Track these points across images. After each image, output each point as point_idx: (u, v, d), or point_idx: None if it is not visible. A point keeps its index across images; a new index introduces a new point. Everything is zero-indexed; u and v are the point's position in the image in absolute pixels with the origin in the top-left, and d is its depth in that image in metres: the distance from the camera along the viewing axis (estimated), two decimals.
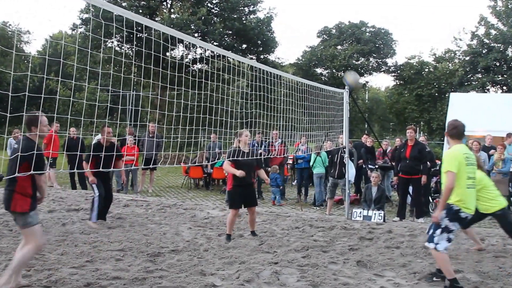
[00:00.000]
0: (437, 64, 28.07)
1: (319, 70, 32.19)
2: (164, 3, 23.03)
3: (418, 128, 25.72)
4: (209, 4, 22.74)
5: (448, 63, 28.04)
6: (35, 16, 61.23)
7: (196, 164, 11.04)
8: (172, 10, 23.06)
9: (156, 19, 21.06)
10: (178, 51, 21.70)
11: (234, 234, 5.94)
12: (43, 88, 4.41)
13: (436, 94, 27.40)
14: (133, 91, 15.79)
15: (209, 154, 10.83)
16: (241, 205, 5.62)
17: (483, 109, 11.92)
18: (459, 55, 27.57)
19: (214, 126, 5.62)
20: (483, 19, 25.38)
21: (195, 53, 22.60)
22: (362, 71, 31.91)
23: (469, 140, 9.85)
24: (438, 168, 8.31)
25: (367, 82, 33.85)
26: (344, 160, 7.68)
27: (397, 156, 7.86)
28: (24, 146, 3.43)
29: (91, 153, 6.03)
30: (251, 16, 23.88)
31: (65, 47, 19.12)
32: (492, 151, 8.95)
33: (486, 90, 25.42)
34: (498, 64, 25.01)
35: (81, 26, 21.87)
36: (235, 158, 5.46)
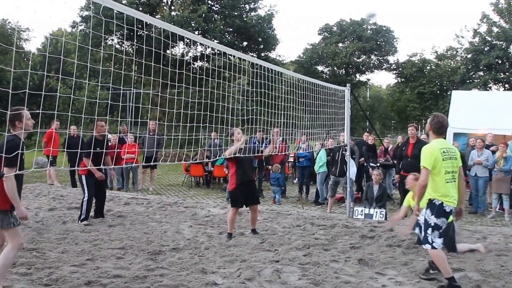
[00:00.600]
0: (439, 62, 28.01)
1: (320, 68, 32.16)
2: (165, 0, 22.98)
3: (419, 126, 25.65)
4: (209, 2, 22.69)
5: (450, 60, 27.97)
6: (35, 13, 61.20)
7: (197, 161, 11.02)
8: (172, 7, 23.01)
9: (157, 16, 21.01)
10: (179, 49, 21.68)
11: (235, 232, 5.92)
12: (43, 86, 4.39)
13: (438, 92, 27.35)
14: (133, 89, 15.76)
15: (209, 152, 10.81)
16: (242, 204, 5.60)
17: (485, 107, 11.87)
18: (461, 53, 27.50)
19: (215, 123, 5.59)
20: (485, 16, 25.28)
21: (196, 50, 22.57)
22: (363, 69, 31.87)
23: (471, 138, 9.83)
24: None
25: (368, 79, 33.79)
26: (346, 158, 7.65)
27: (399, 154, 7.82)
28: (9, 144, 3.36)
29: (91, 150, 6.00)
30: (252, 14, 23.82)
31: (65, 45, 19.14)
32: (493, 148, 8.91)
33: (488, 88, 25.35)
34: (500, 61, 24.93)
35: (81, 24, 21.85)
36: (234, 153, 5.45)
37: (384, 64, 31.55)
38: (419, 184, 3.83)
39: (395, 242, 5.52)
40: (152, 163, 9.39)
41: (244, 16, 23.33)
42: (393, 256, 4.90)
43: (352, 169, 7.82)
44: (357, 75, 32.16)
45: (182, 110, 4.82)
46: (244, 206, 5.68)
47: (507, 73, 24.71)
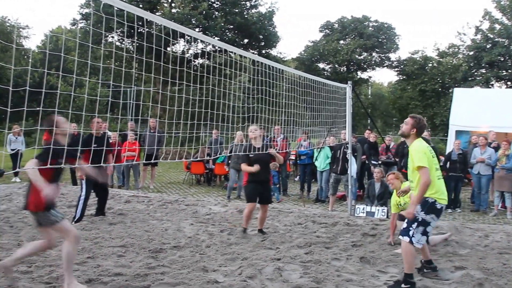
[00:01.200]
0: (441, 59, 27.88)
1: (321, 65, 32.05)
2: None
3: None
4: None
5: (452, 58, 27.84)
6: (35, 10, 61.12)
7: (198, 159, 11.01)
8: (173, 4, 22.92)
9: (157, 13, 20.95)
10: (179, 46, 21.62)
11: (236, 230, 5.91)
12: (44, 83, 4.36)
13: (440, 89, 27.24)
14: (134, 87, 15.73)
15: (210, 150, 10.79)
16: (257, 198, 5.51)
17: (487, 104, 11.80)
18: (463, 50, 27.37)
19: (216, 121, 5.57)
20: (487, 13, 25.14)
21: (196, 48, 22.50)
22: (365, 66, 31.76)
23: (473, 136, 9.78)
24: (441, 164, 8.24)
25: (370, 77, 33.69)
26: (347, 156, 7.62)
27: (401, 152, 7.80)
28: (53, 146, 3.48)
29: (89, 147, 5.96)
30: (253, 11, 23.73)
31: (65, 42, 19.09)
32: (494, 144, 8.87)
33: (490, 86, 25.25)
34: (502, 59, 24.81)
35: (81, 21, 21.81)
36: (247, 154, 5.44)
37: (386, 61, 31.42)
38: (425, 183, 3.77)
39: (397, 240, 5.48)
40: (152, 161, 9.37)
41: (245, 13, 23.22)
42: (394, 254, 4.88)
43: (353, 167, 7.80)
44: (359, 73, 32.05)
45: (183, 108, 4.79)
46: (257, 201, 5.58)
47: (509, 71, 24.58)
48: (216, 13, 22.35)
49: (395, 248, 5.14)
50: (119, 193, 8.68)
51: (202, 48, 21.68)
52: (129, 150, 9.60)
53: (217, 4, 23.06)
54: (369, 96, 35.35)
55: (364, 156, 9.50)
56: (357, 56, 30.53)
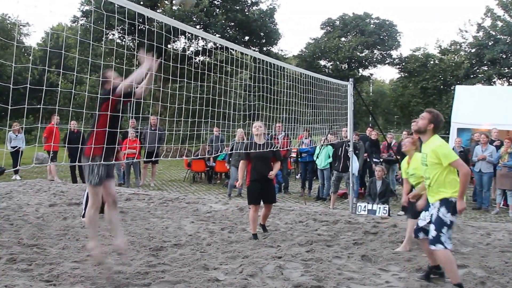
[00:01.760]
0: (443, 56, 27.79)
1: (322, 62, 31.98)
2: None
3: None
4: None
5: (453, 55, 27.75)
6: (36, 7, 60.97)
7: (199, 157, 10.99)
8: (173, 1, 22.85)
9: (158, 11, 20.89)
10: (180, 43, 21.56)
11: (237, 228, 5.90)
12: (44, 81, 4.34)
13: (442, 86, 27.17)
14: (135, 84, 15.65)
15: (211, 147, 10.76)
16: (259, 200, 5.41)
17: (489, 102, 11.75)
18: (465, 47, 27.27)
19: (217, 118, 5.53)
20: (489, 10, 25.03)
21: (197, 45, 22.46)
22: (366, 63, 31.66)
23: (475, 133, 9.74)
24: None
25: (371, 74, 33.59)
26: (349, 154, 7.59)
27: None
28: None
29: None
30: (254, 8, 23.65)
31: (66, 39, 19.05)
32: (497, 142, 8.83)
33: (492, 83, 25.17)
34: (504, 56, 24.72)
35: (81, 19, 21.76)
36: (248, 151, 5.37)
37: (387, 58, 31.33)
38: (465, 173, 3.54)
39: (399, 238, 5.48)
40: (153, 159, 9.35)
41: (246, 10, 23.16)
42: (396, 252, 4.86)
43: (354, 165, 7.77)
44: (360, 70, 31.98)
45: (183, 105, 4.76)
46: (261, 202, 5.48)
47: (511, 68, 24.49)
48: (217, 10, 22.28)
49: (397, 246, 5.12)
50: (120, 191, 8.67)
51: (203, 46, 21.64)
52: (130, 147, 9.58)
53: (218, 1, 22.99)
54: (371, 94, 35.28)
55: (365, 154, 9.46)
56: (358, 53, 30.45)
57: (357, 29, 30.86)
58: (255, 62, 5.81)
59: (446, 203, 3.65)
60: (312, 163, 9.57)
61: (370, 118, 25.26)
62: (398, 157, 8.32)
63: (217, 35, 19.78)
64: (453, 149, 8.90)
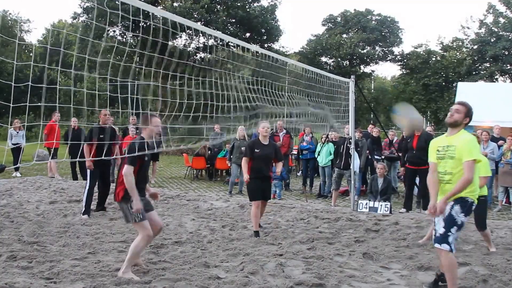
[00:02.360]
0: (445, 53, 27.65)
1: (324, 59, 31.86)
2: None
3: (425, 118, 25.44)
4: None
5: (455, 52, 27.61)
6: (36, 4, 60.89)
7: (199, 154, 10.97)
8: None
9: (159, 7, 20.80)
10: (181, 40, 21.51)
11: (238, 225, 5.88)
12: (44, 78, 4.31)
13: (444, 83, 27.06)
14: (135, 81, 15.64)
15: (212, 145, 10.74)
16: (260, 196, 5.45)
17: (491, 99, 11.71)
18: (467, 44, 27.13)
19: (217, 115, 5.50)
20: (491, 7, 24.89)
21: (198, 42, 22.38)
22: (368, 60, 31.53)
23: (477, 130, 9.68)
24: None
25: (373, 71, 33.47)
26: (350, 151, 7.56)
27: (404, 147, 7.72)
28: (138, 145, 3.80)
29: (94, 138, 5.98)
30: (255, 4, 23.55)
31: (66, 36, 19.02)
32: (500, 142, 8.78)
33: (494, 80, 25.06)
34: (507, 53, 24.58)
35: (82, 15, 21.72)
36: (253, 149, 5.40)
37: (389, 55, 31.20)
38: (467, 179, 3.34)
39: (400, 235, 5.46)
40: (155, 150, 9.30)
41: (247, 7, 23.06)
42: (398, 249, 4.84)
43: (356, 162, 7.73)
44: (362, 67, 31.87)
45: (185, 101, 4.73)
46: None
47: None
48: (218, 6, 22.19)
49: (398, 244, 5.10)
50: None
51: (204, 42, 21.56)
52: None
53: None
54: (372, 91, 35.13)
55: (367, 151, 9.42)
56: (360, 50, 30.32)
57: (358, 25, 30.70)
58: (257, 57, 5.77)
59: (462, 202, 3.46)
60: (313, 160, 9.54)
61: (372, 115, 25.19)
62: (400, 154, 8.29)
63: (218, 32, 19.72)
64: None
